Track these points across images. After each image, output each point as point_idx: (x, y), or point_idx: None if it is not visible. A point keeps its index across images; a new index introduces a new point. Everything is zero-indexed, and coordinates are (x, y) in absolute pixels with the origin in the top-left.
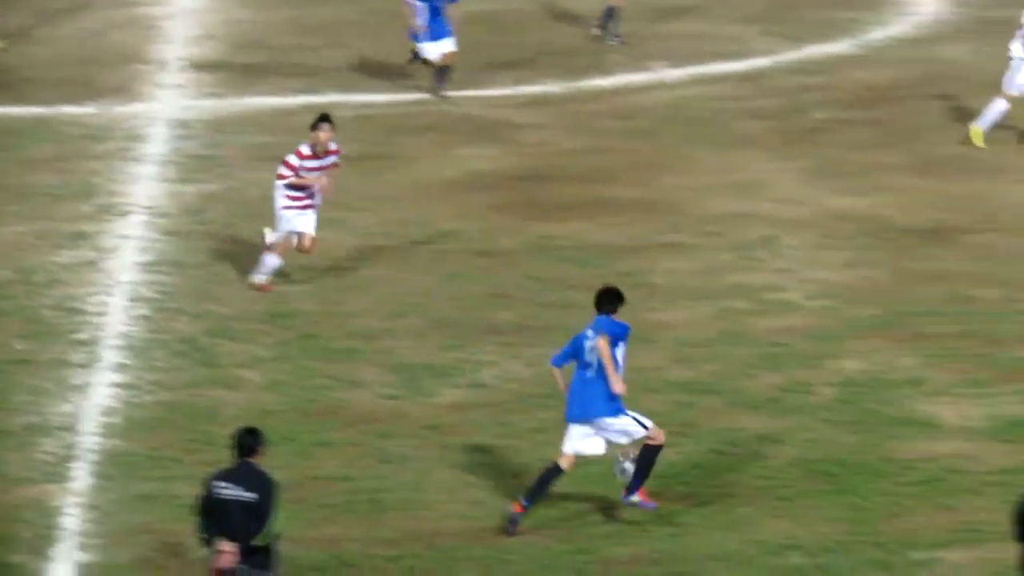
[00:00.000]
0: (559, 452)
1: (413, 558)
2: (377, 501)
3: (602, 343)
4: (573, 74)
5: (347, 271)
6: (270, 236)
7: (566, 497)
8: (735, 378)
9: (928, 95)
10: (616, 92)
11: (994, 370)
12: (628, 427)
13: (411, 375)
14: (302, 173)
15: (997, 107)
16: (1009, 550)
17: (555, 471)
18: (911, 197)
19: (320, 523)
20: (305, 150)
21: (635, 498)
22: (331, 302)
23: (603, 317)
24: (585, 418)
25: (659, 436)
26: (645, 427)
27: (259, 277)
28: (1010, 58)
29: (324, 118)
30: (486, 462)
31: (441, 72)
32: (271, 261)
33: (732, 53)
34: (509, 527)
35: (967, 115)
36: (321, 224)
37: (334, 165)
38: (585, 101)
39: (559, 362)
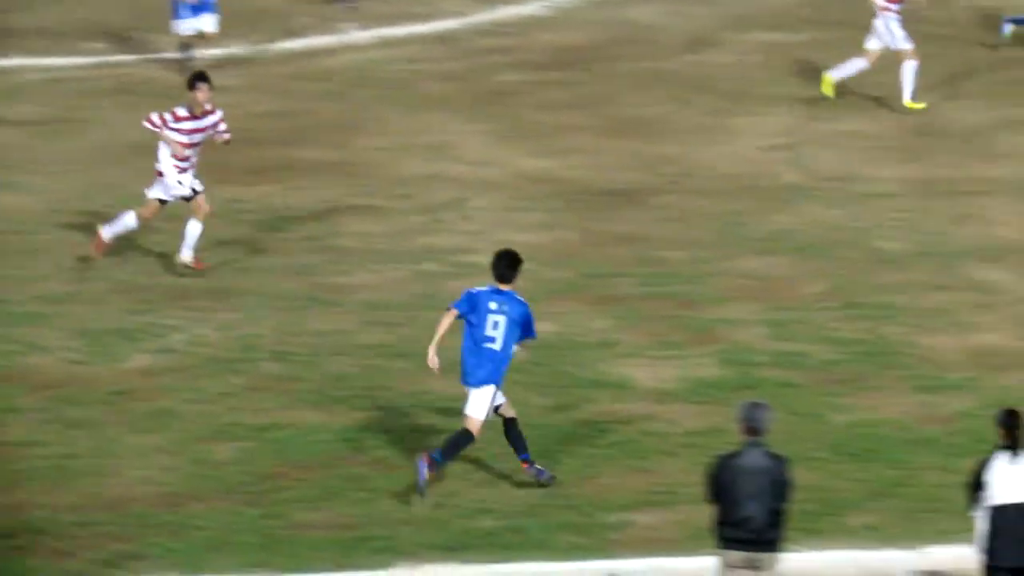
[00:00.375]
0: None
1: (101, 524)
2: (65, 467)
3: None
4: (261, 36)
5: (30, 235)
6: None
7: (255, 462)
8: (425, 341)
9: (618, 56)
10: (305, 54)
11: (686, 332)
12: (481, 400)
13: (98, 339)
14: (173, 134)
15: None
16: (701, 511)
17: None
18: (601, 159)
19: (6, 490)
20: (181, 111)
21: (425, 471)
22: (14, 266)
23: (515, 300)
24: (465, 382)
25: (476, 429)
26: (484, 415)
27: (107, 232)
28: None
29: (201, 77)
30: (176, 427)
31: (186, 47)
32: (128, 221)
33: (421, 15)
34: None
35: (657, 77)
36: (6, 188)
37: (216, 128)
38: (274, 63)
39: (463, 311)
